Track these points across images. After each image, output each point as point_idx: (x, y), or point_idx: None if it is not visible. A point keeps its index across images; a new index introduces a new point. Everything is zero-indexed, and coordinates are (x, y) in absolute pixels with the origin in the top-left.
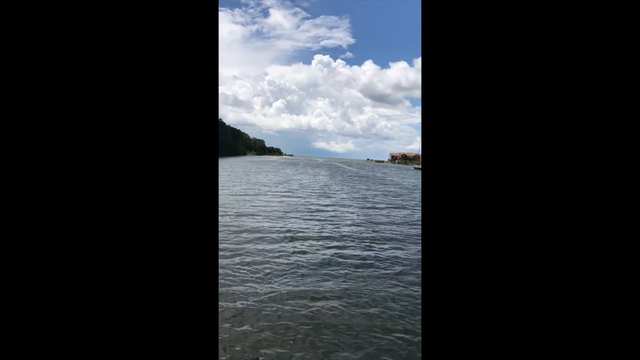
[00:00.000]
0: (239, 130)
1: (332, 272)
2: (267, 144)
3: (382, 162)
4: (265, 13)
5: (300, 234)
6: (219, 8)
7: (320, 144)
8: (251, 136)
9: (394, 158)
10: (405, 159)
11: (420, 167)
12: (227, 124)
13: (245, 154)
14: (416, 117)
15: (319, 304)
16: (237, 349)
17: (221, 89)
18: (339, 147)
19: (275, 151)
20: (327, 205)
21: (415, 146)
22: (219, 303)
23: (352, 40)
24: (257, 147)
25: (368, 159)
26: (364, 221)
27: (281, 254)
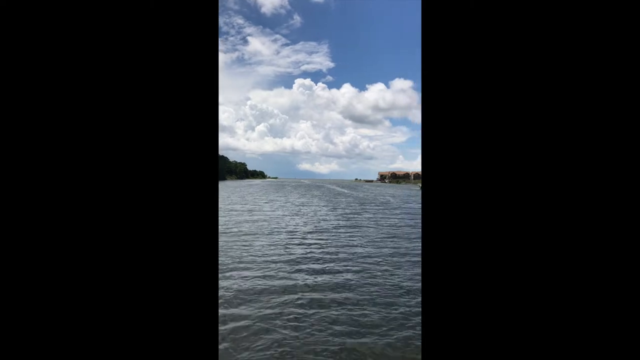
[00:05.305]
0: None
1: None
2: (251, 167)
3: (371, 181)
4: (246, 41)
5: None
6: None
7: (305, 166)
8: (234, 160)
9: (383, 177)
10: (395, 177)
11: None
12: None
13: (225, 179)
14: (397, 137)
15: None
16: None
17: None
18: (324, 167)
19: (259, 174)
20: None
21: (399, 165)
22: None
23: (331, 64)
24: (238, 171)
25: (356, 179)
26: None
27: None
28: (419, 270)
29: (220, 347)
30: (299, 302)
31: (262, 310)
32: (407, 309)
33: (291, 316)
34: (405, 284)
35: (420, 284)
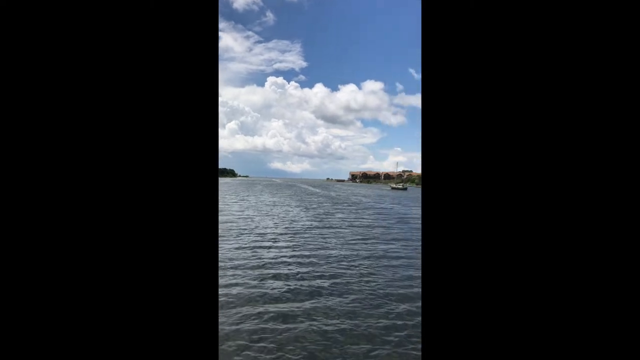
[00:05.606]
0: None
1: None
2: (221, 165)
3: (343, 181)
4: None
5: None
6: None
7: (276, 165)
8: None
9: (354, 177)
10: (366, 177)
11: (397, 187)
12: None
13: None
14: (368, 138)
15: None
16: None
17: None
18: (296, 167)
19: (229, 172)
20: None
21: (369, 165)
22: None
23: (304, 64)
24: None
25: (328, 179)
26: None
27: None
28: (398, 275)
29: None
30: (268, 316)
31: (222, 328)
32: (390, 322)
33: (257, 335)
34: (384, 290)
35: (401, 291)
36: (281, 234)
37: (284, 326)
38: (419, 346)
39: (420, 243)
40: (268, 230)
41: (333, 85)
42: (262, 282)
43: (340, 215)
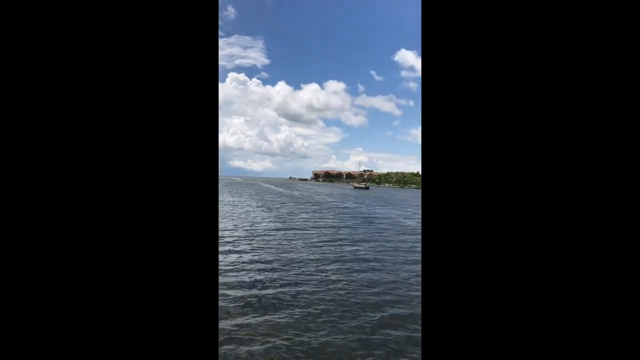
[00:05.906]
0: None
1: None
2: None
3: (305, 180)
4: None
5: None
6: None
7: (237, 163)
8: None
9: (317, 176)
10: (329, 176)
11: (359, 186)
12: None
13: None
14: (330, 137)
15: None
16: None
17: None
18: (257, 165)
19: None
20: None
21: (332, 164)
22: None
23: (266, 61)
24: None
25: (291, 177)
26: None
27: None
28: (370, 279)
29: None
30: (223, 337)
31: None
32: (367, 337)
33: None
34: (356, 299)
35: (374, 298)
36: (242, 238)
37: (245, 349)
38: None
39: (389, 245)
40: (226, 232)
41: (296, 84)
42: (219, 292)
43: (304, 216)
